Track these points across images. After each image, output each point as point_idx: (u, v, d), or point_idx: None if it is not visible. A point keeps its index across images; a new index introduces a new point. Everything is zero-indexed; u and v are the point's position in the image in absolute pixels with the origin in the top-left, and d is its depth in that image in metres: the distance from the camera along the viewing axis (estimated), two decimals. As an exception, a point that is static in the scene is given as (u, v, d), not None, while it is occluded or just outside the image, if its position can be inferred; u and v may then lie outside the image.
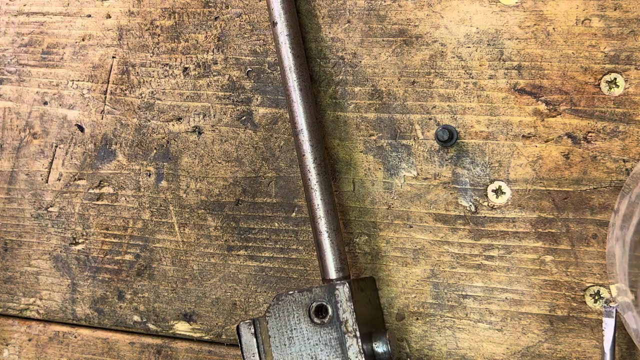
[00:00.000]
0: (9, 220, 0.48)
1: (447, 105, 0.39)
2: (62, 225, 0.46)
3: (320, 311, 0.36)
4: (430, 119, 0.39)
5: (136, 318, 0.45)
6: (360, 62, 0.41)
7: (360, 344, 0.35)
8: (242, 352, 0.37)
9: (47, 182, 0.47)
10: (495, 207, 0.39)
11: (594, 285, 0.37)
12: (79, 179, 0.46)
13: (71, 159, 0.46)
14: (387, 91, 0.40)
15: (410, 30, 0.40)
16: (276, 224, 0.42)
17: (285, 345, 0.36)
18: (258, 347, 0.37)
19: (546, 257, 0.38)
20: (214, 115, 0.43)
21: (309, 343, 0.36)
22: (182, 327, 0.44)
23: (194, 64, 0.44)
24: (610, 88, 0.37)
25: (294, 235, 0.42)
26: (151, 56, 0.45)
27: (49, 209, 0.47)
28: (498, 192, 0.39)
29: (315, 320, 0.36)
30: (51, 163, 0.47)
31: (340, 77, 0.41)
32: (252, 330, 0.37)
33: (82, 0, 0.46)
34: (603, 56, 0.37)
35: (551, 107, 0.38)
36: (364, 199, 0.41)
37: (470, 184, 0.39)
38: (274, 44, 0.41)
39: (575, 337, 0.37)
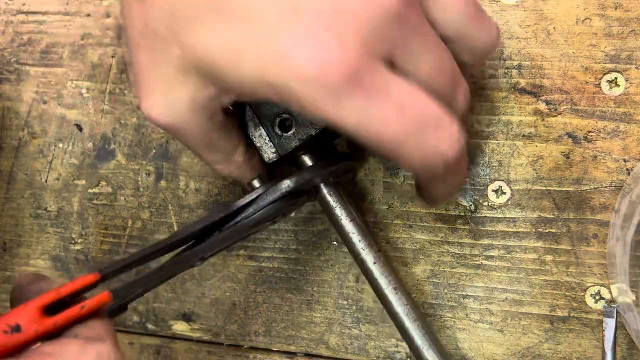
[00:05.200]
0: (8, 220, 0.47)
1: (448, 105, 0.39)
2: (61, 225, 0.46)
3: None
4: (430, 118, 0.39)
5: (135, 318, 0.45)
6: (361, 61, 0.40)
7: None
8: None
9: (46, 182, 0.47)
10: (496, 207, 0.38)
11: (594, 286, 0.37)
12: (78, 179, 0.46)
13: (70, 158, 0.46)
14: (387, 91, 0.40)
15: (411, 29, 0.40)
16: (276, 224, 0.42)
17: None
18: None
19: (547, 257, 0.38)
20: (214, 115, 0.43)
21: None
22: (181, 328, 0.44)
23: (194, 63, 0.44)
24: (611, 88, 0.37)
25: (293, 235, 0.42)
26: (151, 56, 0.45)
27: (48, 209, 0.46)
28: (499, 192, 0.38)
29: None
30: (50, 163, 0.47)
31: (340, 77, 0.41)
32: None
33: (81, -1, 0.46)
34: (604, 56, 0.37)
35: (552, 106, 0.38)
36: (364, 199, 0.40)
37: (471, 184, 0.39)
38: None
39: (576, 337, 0.37)
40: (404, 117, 0.28)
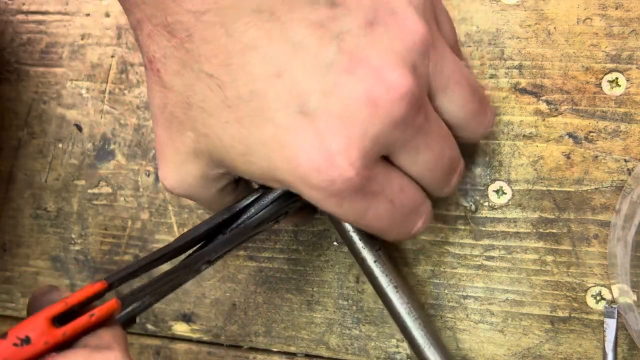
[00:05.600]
0: (7, 220, 0.47)
1: (448, 105, 0.39)
2: (60, 225, 0.46)
3: None
4: (430, 118, 0.39)
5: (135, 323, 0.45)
6: (361, 61, 0.40)
7: None
8: None
9: (45, 182, 0.47)
10: (496, 207, 0.38)
11: (595, 286, 0.37)
12: (78, 179, 0.46)
13: (70, 158, 0.46)
14: (387, 91, 0.40)
15: (411, 29, 0.40)
16: (276, 224, 0.42)
17: None
18: None
19: (547, 257, 0.38)
20: (214, 115, 0.43)
21: None
22: (181, 328, 0.44)
23: (193, 63, 0.43)
24: (611, 87, 0.37)
25: (293, 235, 0.42)
26: (150, 55, 0.44)
27: (47, 209, 0.46)
28: (499, 192, 0.38)
29: None
30: (50, 163, 0.46)
31: (340, 77, 0.41)
32: None
33: (81, -1, 0.46)
34: (604, 55, 0.37)
35: (552, 106, 0.38)
36: (364, 199, 0.40)
37: (471, 184, 0.39)
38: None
39: (576, 338, 0.37)
40: (393, 210, 0.31)
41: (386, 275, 0.36)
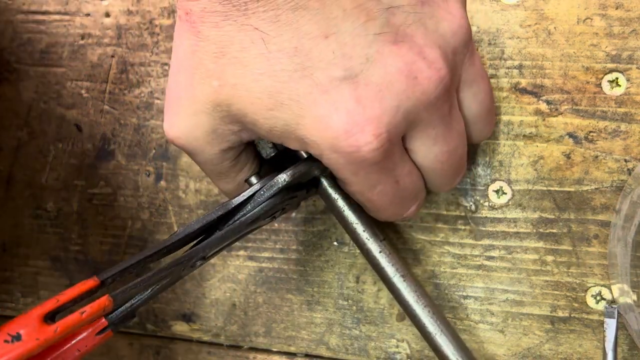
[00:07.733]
0: (7, 220, 0.47)
1: (448, 105, 0.39)
2: (60, 225, 0.46)
3: None
4: (430, 118, 0.39)
5: (135, 319, 0.44)
6: (361, 61, 0.40)
7: None
8: None
9: (45, 182, 0.47)
10: (496, 207, 0.38)
11: (595, 286, 0.37)
12: (78, 179, 0.46)
13: (69, 158, 0.46)
14: (387, 91, 0.40)
15: (411, 29, 0.39)
16: (276, 224, 0.42)
17: None
18: None
19: (547, 257, 0.38)
20: (214, 115, 0.43)
21: None
22: (180, 328, 0.44)
23: (193, 63, 0.43)
24: (611, 87, 0.37)
25: (293, 235, 0.42)
26: (150, 55, 0.44)
27: (47, 209, 0.46)
28: (499, 192, 0.38)
29: None
30: (50, 163, 0.46)
31: (340, 77, 0.41)
32: None
33: (80, -1, 0.46)
34: (604, 55, 0.37)
35: (552, 106, 0.38)
36: (364, 199, 0.40)
37: (471, 184, 0.39)
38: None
39: (576, 338, 0.37)
40: (397, 191, 0.32)
41: (392, 265, 0.36)
